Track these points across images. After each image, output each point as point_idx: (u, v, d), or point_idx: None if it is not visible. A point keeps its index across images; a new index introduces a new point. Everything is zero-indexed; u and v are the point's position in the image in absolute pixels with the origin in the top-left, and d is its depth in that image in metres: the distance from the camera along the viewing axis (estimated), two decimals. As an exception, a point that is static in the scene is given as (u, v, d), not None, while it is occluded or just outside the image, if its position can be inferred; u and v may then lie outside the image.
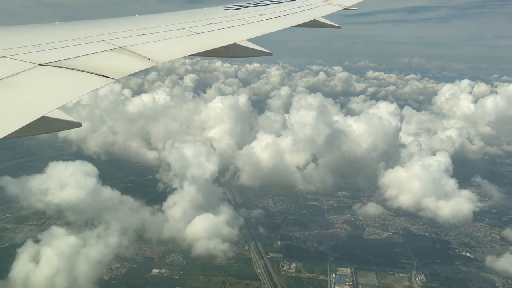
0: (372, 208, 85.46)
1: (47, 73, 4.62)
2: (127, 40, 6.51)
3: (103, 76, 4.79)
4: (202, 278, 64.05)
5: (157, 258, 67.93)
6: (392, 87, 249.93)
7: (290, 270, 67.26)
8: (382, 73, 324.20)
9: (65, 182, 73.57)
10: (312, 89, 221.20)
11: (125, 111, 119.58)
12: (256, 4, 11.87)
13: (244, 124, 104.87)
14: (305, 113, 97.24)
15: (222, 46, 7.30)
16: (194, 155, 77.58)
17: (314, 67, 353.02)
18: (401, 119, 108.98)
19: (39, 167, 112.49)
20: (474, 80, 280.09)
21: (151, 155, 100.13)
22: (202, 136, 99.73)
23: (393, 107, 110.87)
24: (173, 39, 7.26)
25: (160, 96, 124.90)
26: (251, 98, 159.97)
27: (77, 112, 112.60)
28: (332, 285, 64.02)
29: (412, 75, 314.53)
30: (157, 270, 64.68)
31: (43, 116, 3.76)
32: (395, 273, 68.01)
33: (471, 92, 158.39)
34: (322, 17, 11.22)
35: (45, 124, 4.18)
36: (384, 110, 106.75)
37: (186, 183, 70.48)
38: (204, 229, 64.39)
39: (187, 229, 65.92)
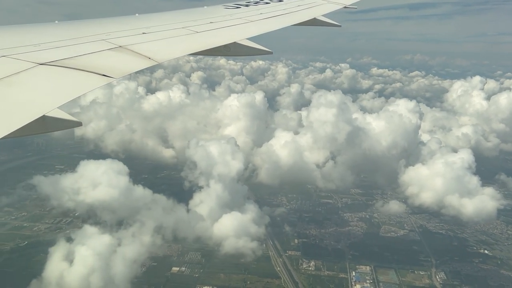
0: (394, 206, 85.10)
1: (47, 73, 4.62)
2: (127, 39, 6.50)
3: (103, 75, 4.78)
4: (223, 276, 63.95)
5: (176, 256, 67.84)
6: (398, 84, 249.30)
7: (310, 268, 67.10)
8: (387, 70, 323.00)
9: (90, 181, 73.20)
10: (319, 86, 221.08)
11: (140, 109, 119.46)
12: (256, 2, 11.85)
13: (260, 122, 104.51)
14: (325, 110, 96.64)
15: (223, 45, 7.28)
16: (218, 153, 76.96)
17: (318, 64, 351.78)
18: (421, 116, 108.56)
19: (50, 166, 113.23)
20: (481, 76, 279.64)
21: (167, 153, 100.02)
22: (218, 134, 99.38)
23: (412, 104, 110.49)
24: (173, 38, 7.25)
25: (175, 94, 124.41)
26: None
27: (94, 110, 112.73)
28: (353, 283, 63.86)
29: (416, 72, 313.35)
30: (177, 268, 64.56)
31: (44, 115, 3.77)
32: (415, 271, 67.82)
33: (482, 89, 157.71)
34: (322, 15, 11.20)
35: (45, 123, 4.22)
36: (403, 107, 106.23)
37: (211, 181, 70.07)
38: (231, 227, 64.14)
39: (214, 227, 65.65)
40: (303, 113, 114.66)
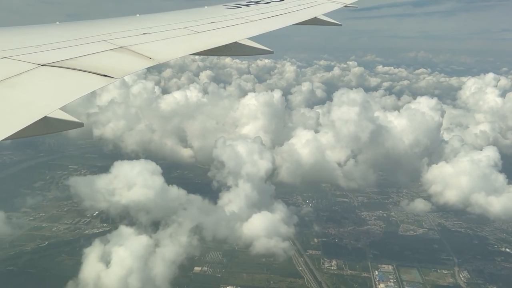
0: (420, 204, 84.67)
1: (48, 74, 4.62)
2: (128, 39, 6.50)
3: (104, 75, 4.77)
4: (245, 276, 63.77)
5: (197, 256, 67.60)
6: (405, 82, 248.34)
7: (332, 268, 66.79)
8: (392, 67, 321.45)
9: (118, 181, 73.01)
10: (327, 84, 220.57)
11: (158, 108, 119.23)
12: (257, 2, 11.83)
13: (278, 121, 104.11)
14: (347, 109, 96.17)
15: (223, 45, 7.27)
16: (244, 152, 76.68)
17: (322, 62, 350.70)
18: (442, 114, 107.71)
19: (64, 166, 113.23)
20: (484, 73, 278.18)
21: (186, 152, 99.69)
22: (236, 133, 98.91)
23: (433, 102, 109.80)
24: (174, 38, 7.26)
25: (191, 93, 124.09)
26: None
27: (112, 110, 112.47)
28: (377, 282, 63.53)
29: (422, 70, 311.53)
30: (199, 268, 64.34)
31: (45, 116, 3.77)
32: (438, 270, 67.42)
33: (496, 86, 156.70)
34: (323, 14, 11.16)
35: (47, 125, 4.20)
36: (425, 105, 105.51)
37: (239, 180, 69.85)
38: (262, 227, 63.84)
39: (244, 227, 65.31)
40: (319, 111, 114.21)
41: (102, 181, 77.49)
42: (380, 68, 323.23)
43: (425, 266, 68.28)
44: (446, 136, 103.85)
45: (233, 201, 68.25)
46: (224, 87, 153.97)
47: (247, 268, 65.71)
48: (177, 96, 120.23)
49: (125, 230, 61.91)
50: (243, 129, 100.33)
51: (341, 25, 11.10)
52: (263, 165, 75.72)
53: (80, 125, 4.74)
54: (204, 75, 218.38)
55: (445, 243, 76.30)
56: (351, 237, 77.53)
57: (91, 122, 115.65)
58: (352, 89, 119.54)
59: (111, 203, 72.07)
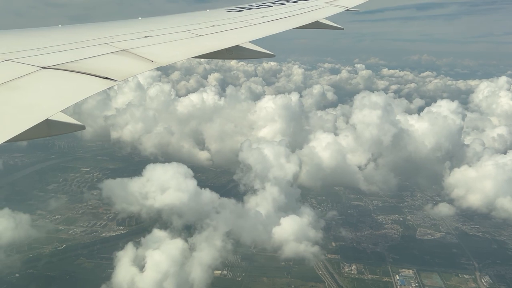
0: (444, 208, 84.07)
1: (50, 76, 4.64)
2: (130, 42, 6.52)
3: (106, 78, 4.78)
4: (266, 279, 63.32)
5: (216, 259, 67.07)
6: (412, 85, 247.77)
7: (352, 272, 66.30)
8: (397, 70, 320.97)
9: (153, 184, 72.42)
10: (335, 87, 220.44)
11: (174, 111, 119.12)
12: (259, 6, 11.83)
13: (296, 124, 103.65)
14: (369, 112, 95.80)
15: (225, 48, 7.25)
16: (270, 155, 76.19)
17: (326, 65, 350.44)
18: (463, 117, 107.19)
19: (76, 168, 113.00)
20: (488, 77, 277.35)
21: (202, 155, 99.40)
22: (254, 136, 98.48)
23: (454, 105, 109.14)
24: (176, 41, 7.26)
25: (208, 96, 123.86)
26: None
27: (130, 113, 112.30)
28: (398, 287, 62.99)
29: (427, 72, 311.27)
30: (219, 272, 63.82)
31: (47, 119, 3.79)
32: (459, 275, 66.82)
33: (509, 89, 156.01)
34: (325, 18, 11.15)
35: (49, 127, 4.30)
36: (446, 108, 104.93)
37: (265, 183, 69.33)
38: (291, 231, 63.35)
39: (274, 231, 64.73)
40: (335, 113, 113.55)
41: (134, 184, 77.05)
42: (385, 71, 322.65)
43: (446, 270, 67.70)
44: (466, 140, 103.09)
45: (260, 204, 67.73)
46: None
47: (266, 272, 65.28)
48: (193, 98, 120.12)
49: (158, 233, 61.19)
50: (261, 132, 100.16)
51: (342, 28, 11.05)
52: (290, 168, 75.30)
53: (81, 127, 4.77)
54: (212, 78, 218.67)
55: (464, 248, 75.72)
56: (369, 241, 77.00)
57: (108, 124, 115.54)
58: (374, 92, 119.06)
59: (143, 206, 71.33)
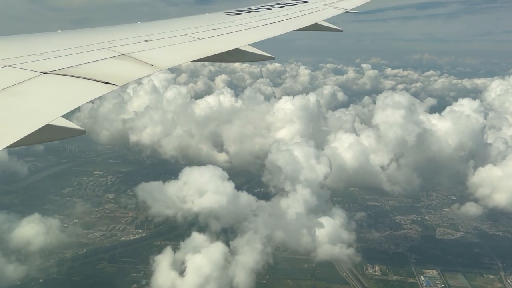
0: (472, 208, 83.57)
1: (51, 81, 4.66)
2: (130, 47, 6.56)
3: (106, 83, 4.81)
4: (290, 282, 62.89)
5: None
6: (418, 84, 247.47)
7: (376, 273, 65.86)
8: (401, 70, 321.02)
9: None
10: (342, 87, 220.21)
11: (191, 114, 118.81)
12: (258, 9, 11.86)
13: (315, 125, 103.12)
14: (392, 112, 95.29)
15: (225, 51, 7.30)
16: (301, 156, 75.61)
17: (329, 66, 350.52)
18: (485, 116, 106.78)
19: (89, 172, 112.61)
20: (491, 75, 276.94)
21: (221, 157, 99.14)
22: (272, 138, 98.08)
23: (476, 104, 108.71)
24: (176, 45, 7.31)
25: (225, 98, 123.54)
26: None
27: (148, 116, 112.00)
28: (424, 287, 62.53)
29: (431, 72, 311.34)
30: (242, 274, 63.40)
31: (48, 124, 3.79)
32: (484, 275, 66.35)
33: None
34: (324, 20, 11.22)
35: (49, 132, 4.25)
36: (468, 107, 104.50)
37: (293, 185, 68.79)
38: (324, 233, 62.91)
39: (307, 233, 64.15)
40: (349, 113, 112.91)
41: (171, 188, 76.79)
42: (389, 70, 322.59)
43: (470, 271, 67.24)
44: (489, 138, 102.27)
45: (291, 206, 67.19)
46: (243, 91, 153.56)
47: (290, 274, 64.76)
48: (210, 100, 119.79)
49: (197, 237, 60.36)
50: (279, 133, 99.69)
51: (342, 30, 11.16)
52: (321, 169, 74.72)
53: (82, 132, 4.79)
54: (220, 80, 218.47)
55: (485, 247, 75.20)
56: (389, 241, 76.56)
57: (126, 128, 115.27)
58: (396, 92, 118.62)
59: (180, 210, 70.63)
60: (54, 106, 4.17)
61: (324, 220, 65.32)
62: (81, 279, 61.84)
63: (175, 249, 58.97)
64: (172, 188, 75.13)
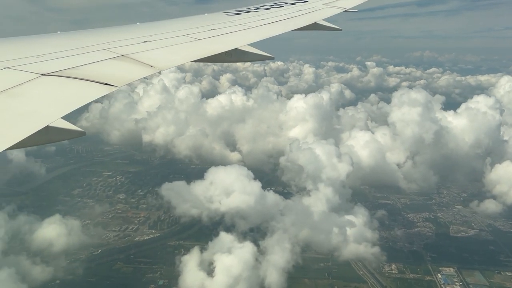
0: (491, 205, 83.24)
1: (50, 83, 4.67)
2: (129, 48, 6.59)
3: (106, 84, 4.81)
4: (308, 281, 62.59)
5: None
6: (422, 81, 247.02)
7: (393, 271, 65.59)
8: (403, 67, 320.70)
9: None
10: (347, 85, 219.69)
11: (204, 113, 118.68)
12: (257, 9, 11.90)
13: (328, 123, 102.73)
14: (408, 109, 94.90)
15: (224, 51, 7.33)
16: (323, 155, 75.18)
17: (330, 64, 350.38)
18: (501, 112, 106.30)
19: (98, 172, 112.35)
20: (493, 72, 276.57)
21: (234, 156, 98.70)
22: (285, 137, 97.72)
23: (491, 100, 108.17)
24: (175, 45, 7.33)
25: (236, 97, 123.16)
26: (289, 97, 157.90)
27: (163, 116, 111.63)
28: (442, 286, 62.25)
29: (434, 69, 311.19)
30: (259, 274, 63.09)
31: (48, 125, 3.80)
32: (501, 272, 66.06)
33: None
34: (323, 19, 11.26)
35: (49, 134, 4.34)
36: (483, 104, 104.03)
37: (316, 184, 68.42)
38: (349, 232, 62.52)
39: (331, 232, 63.76)
40: (359, 111, 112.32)
41: (197, 188, 76.15)
42: (391, 68, 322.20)
43: (487, 268, 66.92)
44: (505, 135, 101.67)
45: (314, 205, 66.72)
46: (250, 91, 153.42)
47: (307, 273, 64.44)
48: (221, 99, 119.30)
49: (225, 237, 59.75)
50: (292, 131, 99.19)
51: (341, 29, 11.24)
52: (343, 167, 74.31)
53: (82, 133, 4.82)
54: (224, 79, 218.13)
55: (500, 244, 74.91)
56: (404, 239, 76.25)
57: (139, 128, 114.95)
58: (412, 89, 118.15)
59: (207, 210, 70.03)
60: (54, 108, 4.16)
61: (349, 218, 64.84)
62: (97, 280, 61.64)
63: (190, 248, 58.53)
64: (197, 188, 74.50)
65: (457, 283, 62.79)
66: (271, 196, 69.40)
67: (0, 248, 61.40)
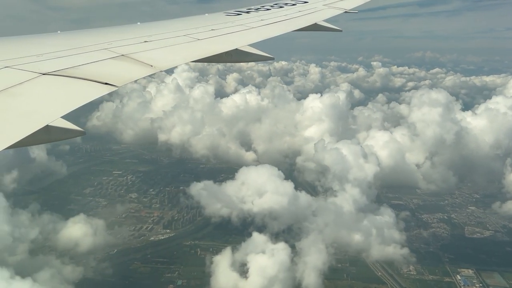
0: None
1: (50, 82, 4.67)
2: (129, 47, 6.59)
3: (106, 84, 4.81)
4: (327, 282, 62.19)
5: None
6: (427, 82, 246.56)
7: (411, 273, 65.33)
8: (407, 67, 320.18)
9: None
10: (353, 85, 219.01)
11: (219, 112, 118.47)
12: (257, 9, 11.91)
13: (344, 123, 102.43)
14: (428, 110, 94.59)
15: (224, 52, 7.33)
16: (350, 155, 74.78)
17: (333, 64, 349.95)
18: None
19: (108, 171, 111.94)
20: (496, 73, 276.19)
21: (249, 156, 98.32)
22: (301, 137, 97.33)
23: (510, 101, 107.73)
24: (175, 45, 7.34)
25: (251, 96, 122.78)
26: (296, 96, 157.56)
27: (178, 115, 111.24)
28: (462, 287, 61.98)
29: (437, 69, 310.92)
30: (277, 275, 62.78)
31: (47, 125, 3.83)
32: (520, 274, 65.72)
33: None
34: (323, 20, 11.27)
35: (49, 133, 4.37)
36: (502, 104, 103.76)
37: (339, 185, 68.14)
38: (375, 233, 62.20)
39: (356, 233, 63.49)
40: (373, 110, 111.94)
41: (228, 188, 75.76)
42: (395, 68, 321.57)
43: (506, 269, 66.64)
44: None
45: (342, 205, 66.27)
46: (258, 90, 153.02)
47: (324, 273, 64.12)
48: (236, 99, 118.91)
49: (258, 238, 59.15)
50: (307, 131, 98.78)
51: (341, 30, 11.29)
52: (370, 168, 73.94)
53: (82, 133, 4.82)
54: (231, 78, 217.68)
55: (517, 246, 74.64)
56: (419, 241, 75.96)
57: (155, 127, 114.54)
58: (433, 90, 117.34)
59: (237, 210, 69.48)
60: (54, 107, 4.16)
61: (376, 219, 64.58)
62: (116, 280, 61.32)
63: (206, 248, 57.88)
64: (229, 188, 73.94)
65: (477, 285, 62.55)
66: (303, 197, 68.98)
67: (27, 248, 61.03)
